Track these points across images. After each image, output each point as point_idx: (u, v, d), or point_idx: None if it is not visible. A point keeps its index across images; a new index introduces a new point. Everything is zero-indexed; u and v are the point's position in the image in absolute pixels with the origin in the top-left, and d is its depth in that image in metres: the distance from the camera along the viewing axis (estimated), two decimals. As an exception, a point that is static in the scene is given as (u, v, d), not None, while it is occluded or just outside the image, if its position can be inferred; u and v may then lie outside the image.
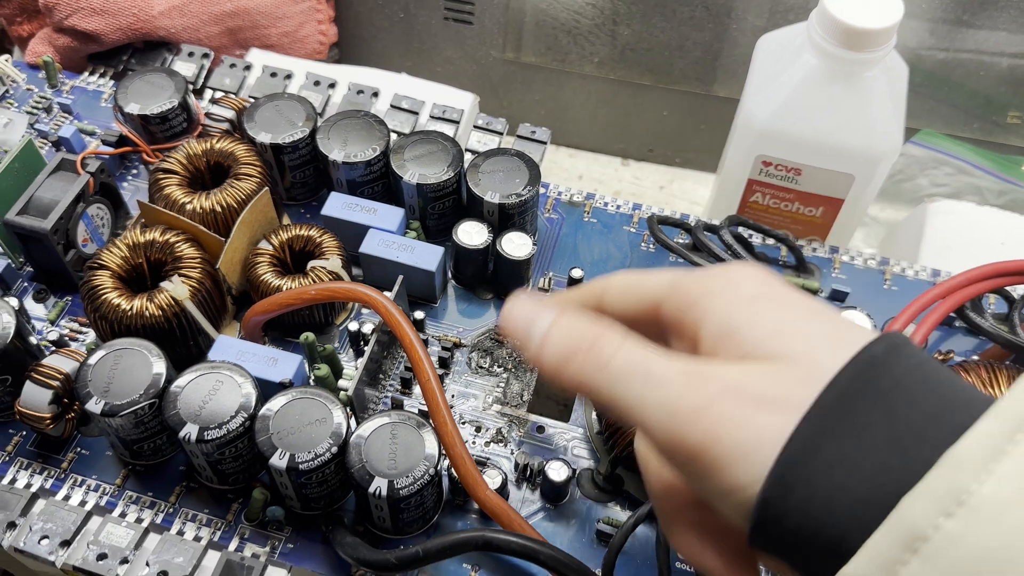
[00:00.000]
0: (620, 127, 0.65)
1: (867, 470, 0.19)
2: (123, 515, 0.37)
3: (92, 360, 0.35)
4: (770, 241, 0.46)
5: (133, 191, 0.47)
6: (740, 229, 0.45)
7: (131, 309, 0.38)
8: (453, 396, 0.41)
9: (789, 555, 0.21)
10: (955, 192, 0.56)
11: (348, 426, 0.34)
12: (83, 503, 0.37)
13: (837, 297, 0.44)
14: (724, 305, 0.23)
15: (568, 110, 0.65)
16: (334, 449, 0.34)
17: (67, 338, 0.42)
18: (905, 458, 0.19)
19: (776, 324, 0.22)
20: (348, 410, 0.36)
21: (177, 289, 0.38)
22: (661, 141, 0.65)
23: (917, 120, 0.57)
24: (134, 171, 0.48)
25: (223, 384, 0.35)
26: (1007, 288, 0.43)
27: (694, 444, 0.21)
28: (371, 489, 0.33)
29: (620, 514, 0.37)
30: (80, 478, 0.38)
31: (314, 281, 0.39)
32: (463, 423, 0.40)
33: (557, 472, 0.37)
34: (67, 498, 0.37)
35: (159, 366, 0.36)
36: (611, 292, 0.26)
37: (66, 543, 0.35)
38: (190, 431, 0.34)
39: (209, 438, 0.34)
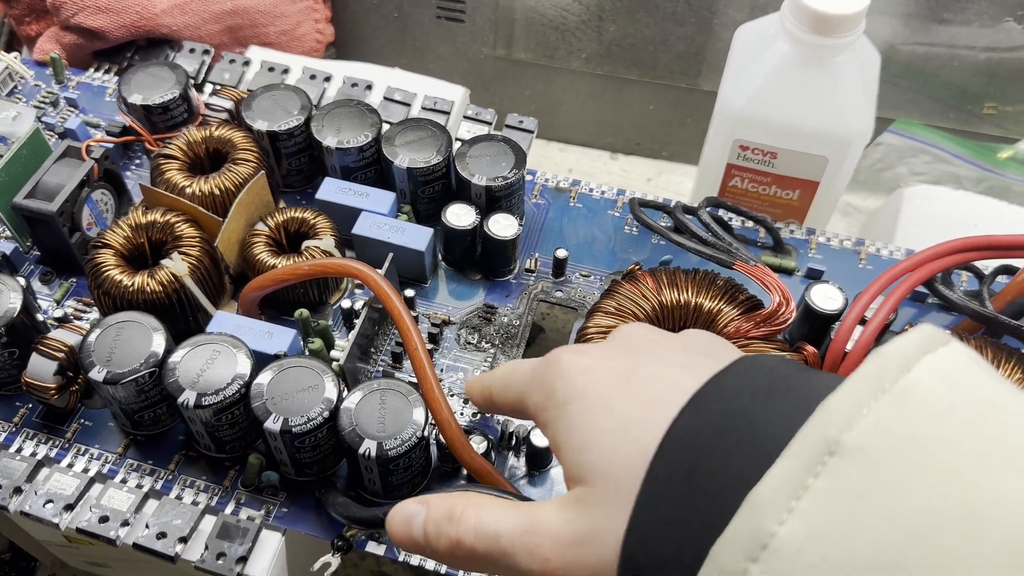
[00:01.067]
0: (608, 121, 0.67)
1: (689, 539, 0.20)
2: (124, 481, 0.38)
3: (95, 332, 0.37)
4: (749, 224, 0.47)
5: (136, 179, 0.49)
6: (721, 212, 0.47)
7: (133, 285, 0.39)
8: (442, 370, 0.42)
9: None
10: (934, 180, 0.58)
11: (340, 393, 0.36)
12: (86, 470, 0.38)
13: (813, 275, 0.45)
14: (552, 420, 0.26)
15: (557, 105, 0.67)
16: (326, 414, 0.35)
17: (72, 316, 0.43)
18: (719, 504, 0.19)
19: (579, 439, 0.25)
20: (340, 380, 0.37)
21: (177, 266, 0.40)
22: (648, 135, 0.67)
23: (895, 110, 0.59)
24: (137, 161, 0.50)
25: (220, 354, 0.37)
26: (977, 264, 0.45)
27: None
28: (361, 450, 0.34)
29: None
30: (83, 447, 0.39)
31: (308, 259, 0.41)
32: (451, 395, 0.41)
33: (540, 438, 0.38)
34: (71, 466, 0.39)
35: (159, 338, 0.37)
36: (494, 387, 0.32)
37: (69, 507, 0.37)
38: (188, 397, 0.35)
39: (206, 404, 0.35)
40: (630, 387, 0.24)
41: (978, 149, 0.57)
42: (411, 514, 0.28)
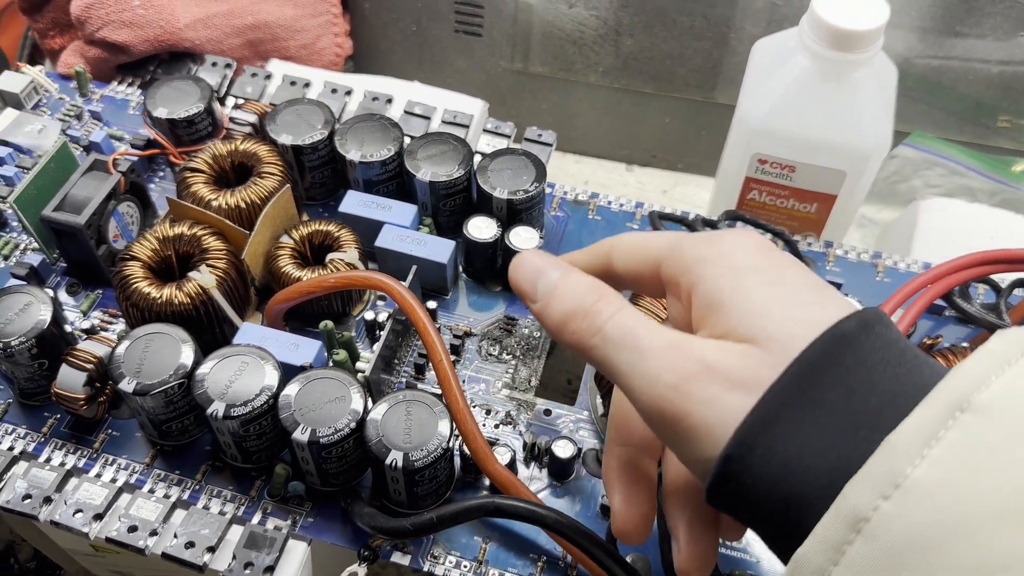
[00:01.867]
0: (624, 134, 0.68)
1: (820, 447, 0.21)
2: (152, 491, 0.39)
3: (125, 343, 0.38)
4: (767, 236, 0.48)
5: (161, 192, 0.50)
6: (739, 225, 0.47)
7: (161, 297, 0.40)
8: (464, 381, 0.43)
9: (742, 514, 0.23)
10: (949, 192, 0.58)
11: (365, 404, 0.37)
12: (114, 480, 0.39)
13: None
14: (714, 276, 0.25)
15: (574, 117, 0.68)
16: (352, 424, 0.36)
17: (99, 327, 0.44)
18: (855, 440, 0.21)
19: (758, 304, 0.23)
20: (366, 391, 0.38)
21: (204, 278, 0.40)
22: (664, 147, 0.68)
23: (910, 123, 0.59)
24: (161, 173, 0.51)
25: (248, 365, 0.37)
26: (994, 278, 0.45)
27: (670, 415, 0.23)
28: (388, 461, 0.35)
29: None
30: (111, 457, 0.40)
31: (332, 271, 0.42)
32: (474, 406, 0.42)
33: (563, 449, 0.39)
34: (99, 476, 0.39)
35: (187, 349, 0.38)
36: (617, 251, 0.28)
37: (99, 517, 0.37)
38: (217, 408, 0.36)
39: (235, 415, 0.36)
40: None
41: (992, 162, 0.58)
42: (539, 269, 0.27)
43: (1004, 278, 0.45)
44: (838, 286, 0.46)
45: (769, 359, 0.22)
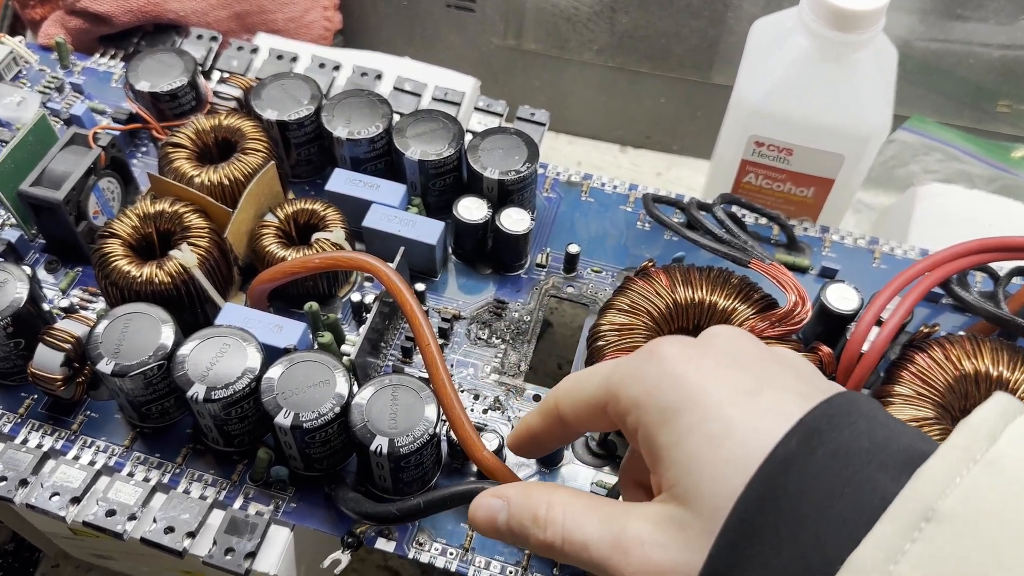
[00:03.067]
0: (619, 114, 0.67)
1: None
2: (131, 475, 0.38)
3: (103, 323, 0.37)
4: (762, 221, 0.47)
5: (143, 167, 0.49)
6: (734, 209, 0.47)
7: (141, 276, 0.39)
8: (452, 365, 0.42)
9: None
10: (947, 178, 0.57)
11: (351, 388, 0.36)
12: (92, 463, 0.38)
13: (827, 274, 0.45)
14: (647, 424, 0.24)
15: (567, 97, 0.67)
16: (337, 409, 0.35)
17: (78, 306, 0.43)
18: (811, 571, 0.20)
19: (689, 459, 0.23)
20: (351, 375, 0.37)
21: (186, 257, 0.39)
22: (659, 128, 0.67)
23: (908, 107, 0.58)
24: (143, 149, 0.50)
25: (230, 347, 0.36)
26: (992, 266, 0.45)
27: None
28: (373, 447, 0.34)
29: (611, 477, 0.39)
30: (89, 440, 0.39)
31: (318, 252, 0.41)
32: (462, 391, 0.41)
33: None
34: (77, 458, 0.38)
35: (168, 330, 0.37)
36: (562, 406, 0.29)
37: (76, 500, 0.36)
38: (198, 391, 0.35)
39: (216, 398, 0.35)
40: (753, 413, 0.23)
41: (991, 148, 0.57)
42: (493, 510, 0.28)
43: (1003, 266, 0.44)
44: (834, 272, 0.45)
45: (702, 525, 0.22)
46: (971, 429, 0.20)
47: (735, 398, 0.23)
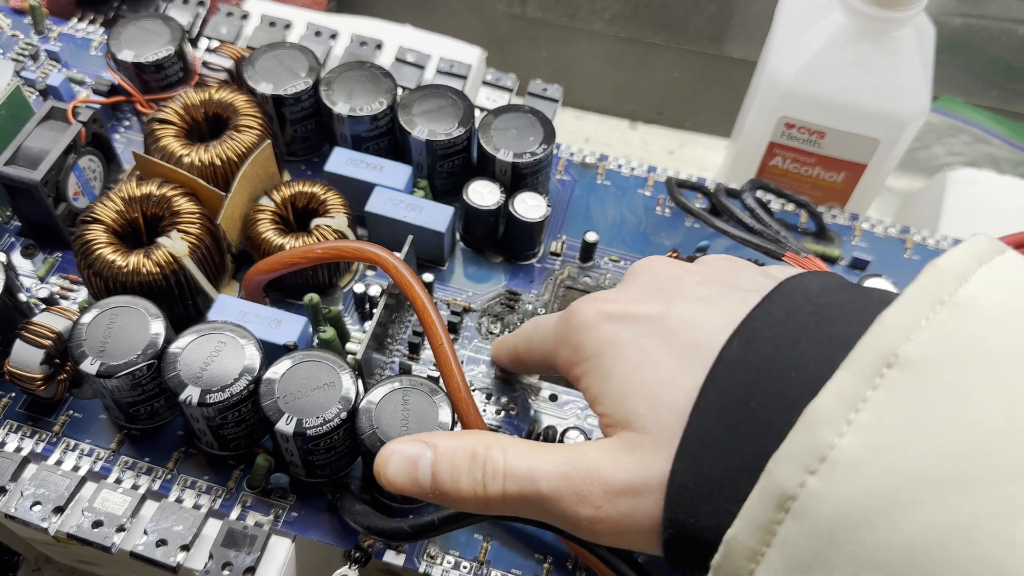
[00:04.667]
0: (629, 88, 0.63)
1: (742, 460, 0.20)
2: (118, 481, 0.35)
3: (86, 319, 0.34)
4: (789, 207, 0.44)
5: (126, 143, 0.45)
6: (759, 193, 0.44)
7: (127, 266, 0.36)
8: (463, 362, 0.39)
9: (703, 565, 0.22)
10: (971, 161, 0.55)
11: (357, 391, 0.33)
12: (76, 468, 0.35)
13: (858, 265, 0.43)
14: (583, 375, 0.26)
15: (575, 69, 0.63)
16: (343, 415, 0.32)
17: (58, 296, 0.40)
18: (774, 433, 0.19)
19: (619, 387, 0.24)
20: (356, 375, 0.34)
21: (176, 245, 0.36)
22: (671, 103, 0.64)
23: (936, 86, 0.55)
24: (126, 122, 0.46)
25: (225, 345, 0.33)
26: None
27: (610, 538, 0.24)
28: (382, 457, 0.31)
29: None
30: (73, 442, 0.36)
31: (319, 240, 0.38)
32: (473, 389, 0.38)
33: (575, 440, 0.35)
34: (59, 463, 0.35)
35: (157, 325, 0.34)
36: (523, 358, 0.32)
37: (59, 509, 0.34)
38: (192, 394, 0.32)
39: (212, 401, 0.32)
40: (664, 333, 0.24)
41: (1019, 129, 0.54)
42: (413, 456, 0.26)
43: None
44: (865, 263, 0.42)
45: (651, 440, 0.23)
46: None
47: (646, 326, 0.24)
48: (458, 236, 0.43)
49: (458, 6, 0.62)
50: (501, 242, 0.42)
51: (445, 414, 0.33)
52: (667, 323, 0.24)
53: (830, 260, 0.43)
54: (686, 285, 0.26)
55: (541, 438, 0.37)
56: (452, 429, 0.32)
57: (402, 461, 0.26)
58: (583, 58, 0.63)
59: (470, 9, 0.62)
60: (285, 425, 0.32)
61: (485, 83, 0.48)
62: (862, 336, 0.18)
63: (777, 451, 0.19)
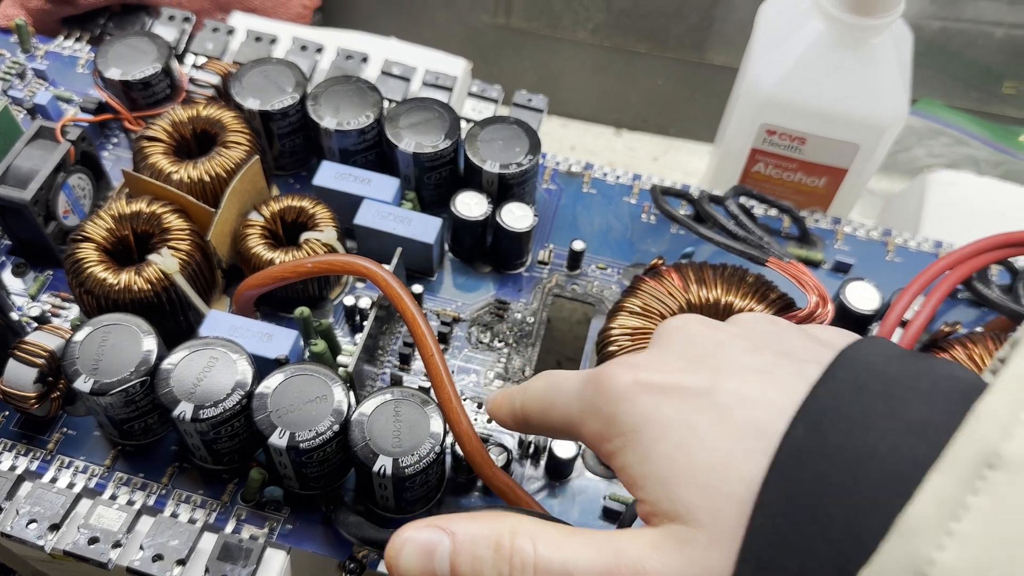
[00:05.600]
0: (614, 96, 0.64)
1: (814, 564, 0.18)
2: (113, 497, 0.35)
3: (79, 336, 0.34)
4: (773, 212, 0.45)
5: (114, 161, 0.45)
6: (742, 200, 0.45)
7: (118, 283, 0.36)
8: (453, 372, 0.40)
9: None
10: (951, 163, 0.56)
11: (349, 403, 0.33)
12: (71, 485, 0.35)
13: (841, 268, 0.43)
14: (616, 451, 0.23)
15: (560, 78, 0.64)
16: (336, 427, 0.33)
17: (49, 314, 0.40)
18: (856, 541, 0.17)
19: (665, 472, 0.21)
20: (348, 387, 0.35)
21: (167, 262, 0.37)
22: (655, 111, 0.64)
23: (916, 89, 0.56)
24: (114, 140, 0.46)
25: (218, 361, 0.34)
26: (1010, 259, 0.43)
27: None
28: (376, 468, 0.32)
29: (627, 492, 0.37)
30: (67, 459, 0.36)
31: (308, 254, 0.38)
32: (464, 399, 0.39)
33: (564, 450, 0.36)
34: (54, 480, 0.36)
35: (149, 342, 0.34)
36: (532, 420, 0.28)
37: (55, 527, 0.34)
38: (185, 410, 0.32)
39: (205, 417, 0.32)
40: (716, 410, 0.21)
41: (999, 131, 0.55)
42: (429, 545, 0.23)
43: (1021, 260, 0.43)
44: (848, 267, 0.43)
45: (706, 536, 0.20)
46: None
47: (695, 403, 0.22)
48: (447, 247, 0.43)
49: (443, 18, 0.63)
50: (489, 252, 0.43)
51: (437, 424, 0.33)
52: (719, 399, 0.21)
53: (813, 264, 0.43)
54: (732, 353, 0.23)
55: (532, 447, 0.37)
56: (443, 441, 0.33)
57: (416, 550, 0.24)
58: (568, 67, 0.63)
59: (455, 21, 0.62)
60: (278, 439, 0.32)
61: (471, 95, 0.48)
62: (945, 424, 0.17)
63: (868, 565, 0.17)
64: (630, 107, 0.64)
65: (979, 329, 0.41)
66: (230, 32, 0.50)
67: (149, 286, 0.36)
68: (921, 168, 0.54)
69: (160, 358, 0.34)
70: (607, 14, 0.58)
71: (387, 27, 0.61)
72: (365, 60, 0.49)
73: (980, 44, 0.54)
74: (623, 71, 0.62)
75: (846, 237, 0.44)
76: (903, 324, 0.37)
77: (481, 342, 0.41)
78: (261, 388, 0.33)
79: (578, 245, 0.42)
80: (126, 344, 0.34)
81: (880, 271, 0.43)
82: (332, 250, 0.39)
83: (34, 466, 0.36)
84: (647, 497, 0.22)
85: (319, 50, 0.50)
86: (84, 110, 0.45)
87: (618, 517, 0.35)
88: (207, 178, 0.39)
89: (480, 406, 0.39)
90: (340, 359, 0.37)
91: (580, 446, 0.36)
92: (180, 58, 0.49)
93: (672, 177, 0.45)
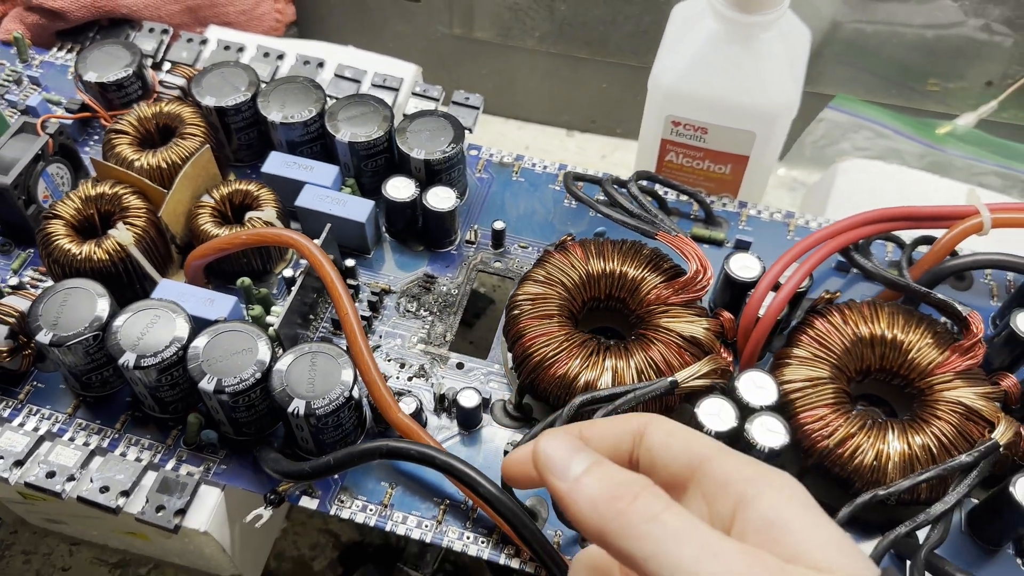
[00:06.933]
0: (563, 99, 0.69)
1: None
2: (72, 440, 0.40)
3: (43, 297, 0.39)
4: (684, 198, 0.49)
5: (96, 155, 0.51)
6: (657, 188, 0.49)
7: (80, 253, 0.41)
8: (380, 337, 0.44)
9: None
10: (877, 156, 0.59)
11: (273, 355, 0.38)
12: (36, 429, 0.40)
13: (741, 246, 0.47)
14: (781, 497, 0.23)
15: (514, 83, 0.69)
16: (258, 375, 0.37)
17: (28, 284, 0.45)
18: None
19: (827, 537, 0.22)
20: (276, 345, 0.39)
21: (122, 235, 0.42)
22: (602, 112, 0.69)
23: (839, 86, 0.60)
24: (96, 137, 0.52)
25: (160, 319, 0.39)
26: (902, 236, 0.47)
27: None
28: (290, 409, 0.36)
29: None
30: (35, 408, 0.41)
31: (249, 228, 0.43)
32: (388, 360, 0.43)
33: (468, 399, 0.40)
34: (22, 425, 0.41)
35: (103, 303, 0.39)
36: (655, 436, 0.26)
37: (19, 463, 0.39)
38: (128, 359, 0.37)
39: (145, 365, 0.37)
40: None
41: (918, 125, 0.59)
42: (569, 455, 0.24)
43: (912, 235, 0.46)
44: (748, 244, 0.47)
45: None
46: None
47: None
48: (383, 228, 0.48)
49: (404, 29, 0.68)
50: (421, 232, 0.48)
51: (347, 374, 0.37)
52: None
53: (716, 243, 0.47)
54: None
55: (445, 400, 0.41)
56: (353, 386, 0.37)
57: (554, 453, 0.24)
58: (520, 73, 0.68)
59: (415, 32, 0.68)
60: (207, 384, 0.37)
61: (415, 94, 0.53)
62: None
63: None
64: (579, 110, 0.69)
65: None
66: (203, 42, 0.56)
67: (107, 256, 0.41)
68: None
69: (112, 316, 0.39)
70: (551, 23, 0.63)
71: (353, 39, 0.67)
72: (321, 65, 0.55)
73: (894, 43, 0.57)
74: (570, 76, 0.67)
75: (749, 219, 0.48)
76: (776, 288, 0.40)
77: (408, 311, 0.45)
78: (195, 342, 0.38)
79: (499, 225, 0.47)
80: (83, 304, 0.39)
81: (779, 249, 0.47)
82: (271, 226, 0.44)
83: (6, 413, 0.41)
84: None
85: (280, 56, 0.55)
86: (68, 110, 0.51)
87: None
88: (164, 165, 0.45)
89: (403, 366, 0.43)
90: (268, 319, 0.41)
91: (485, 397, 0.41)
92: (158, 66, 0.55)
93: (618, 173, 0.49)
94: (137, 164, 0.45)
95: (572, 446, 0.24)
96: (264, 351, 0.38)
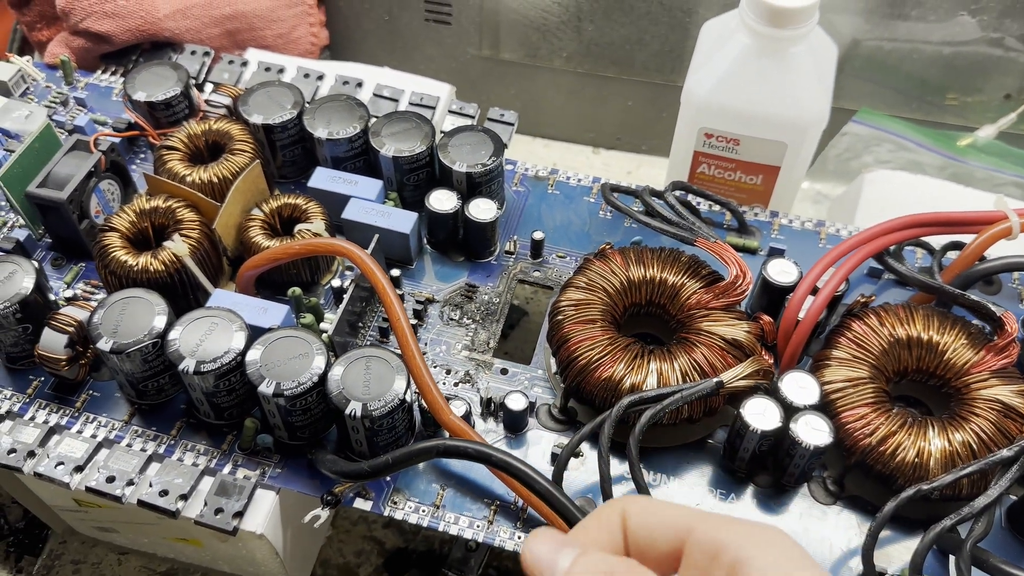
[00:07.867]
0: (589, 117, 0.70)
1: None
2: (129, 446, 0.41)
3: (103, 307, 0.40)
4: (716, 208, 0.50)
5: (142, 173, 0.52)
6: (690, 198, 0.50)
7: (137, 264, 0.43)
8: (426, 344, 0.45)
9: None
10: (899, 168, 0.60)
11: (328, 360, 0.39)
12: (94, 436, 0.41)
13: (775, 254, 0.48)
14: (774, 556, 0.23)
15: (541, 102, 0.71)
16: (315, 378, 0.38)
17: (81, 296, 0.46)
18: None
19: None
20: (329, 350, 0.40)
21: (178, 247, 0.43)
22: (628, 130, 0.70)
23: (859, 101, 0.62)
24: (142, 155, 0.54)
25: (217, 327, 0.40)
26: (931, 242, 0.48)
27: None
28: (348, 411, 0.37)
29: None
30: (92, 416, 0.42)
31: (299, 239, 0.44)
32: (435, 366, 0.44)
33: (515, 402, 0.41)
34: (80, 432, 0.42)
35: (161, 311, 0.40)
36: (634, 517, 0.26)
37: (79, 469, 0.40)
38: (188, 364, 0.38)
39: (205, 370, 0.38)
40: None
41: (939, 137, 0.60)
42: (554, 547, 0.25)
43: (940, 241, 0.47)
44: (781, 252, 0.48)
45: None
46: None
47: None
48: (425, 240, 0.49)
49: (434, 51, 0.70)
50: (461, 243, 0.49)
51: (401, 379, 0.38)
52: None
53: (750, 251, 0.49)
54: None
55: (492, 404, 0.42)
56: (407, 390, 0.38)
57: (540, 554, 0.25)
58: (547, 92, 0.70)
59: (445, 54, 0.70)
60: (266, 387, 0.38)
61: (451, 112, 0.55)
62: None
63: None
64: (605, 127, 0.71)
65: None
66: (244, 64, 0.57)
67: (163, 267, 0.43)
68: (869, 173, 0.59)
69: (170, 325, 0.40)
70: (578, 44, 0.65)
71: (385, 62, 0.69)
72: (360, 85, 0.56)
73: (913, 59, 0.59)
74: (596, 94, 0.69)
75: (781, 228, 0.50)
76: (814, 292, 0.41)
77: (452, 319, 0.46)
78: (253, 347, 0.39)
79: (538, 235, 0.48)
80: (141, 314, 0.40)
81: (811, 256, 0.48)
82: (320, 237, 0.45)
83: (64, 421, 0.42)
84: None
85: (320, 77, 0.57)
86: (116, 129, 0.53)
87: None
88: (215, 179, 0.46)
89: (449, 372, 0.44)
90: (322, 326, 0.42)
91: (531, 401, 0.42)
92: (200, 87, 0.57)
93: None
94: (189, 179, 0.46)
95: (557, 543, 0.25)
96: (320, 357, 0.39)
